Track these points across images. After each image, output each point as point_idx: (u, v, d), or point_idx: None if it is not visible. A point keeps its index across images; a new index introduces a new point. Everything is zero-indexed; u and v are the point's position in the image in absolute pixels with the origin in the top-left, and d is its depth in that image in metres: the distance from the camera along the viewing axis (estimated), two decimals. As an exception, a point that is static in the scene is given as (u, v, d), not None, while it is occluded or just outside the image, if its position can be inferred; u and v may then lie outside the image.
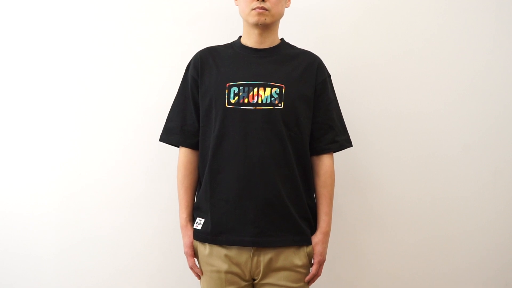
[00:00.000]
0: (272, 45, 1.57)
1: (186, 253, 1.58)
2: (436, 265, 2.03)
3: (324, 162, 1.57)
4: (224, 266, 1.49)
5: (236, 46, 1.60)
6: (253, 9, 1.49)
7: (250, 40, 1.57)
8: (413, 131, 2.01)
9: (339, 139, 1.59)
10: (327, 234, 1.56)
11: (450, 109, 2.02)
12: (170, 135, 1.61)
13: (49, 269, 1.98)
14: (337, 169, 1.97)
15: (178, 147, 1.62)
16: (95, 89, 1.97)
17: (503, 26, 2.02)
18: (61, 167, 1.97)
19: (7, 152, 1.97)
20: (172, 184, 1.92)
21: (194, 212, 1.58)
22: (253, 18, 1.50)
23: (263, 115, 1.47)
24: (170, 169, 1.93)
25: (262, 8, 1.47)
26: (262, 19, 1.49)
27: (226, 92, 1.50)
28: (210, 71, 1.55)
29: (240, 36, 1.62)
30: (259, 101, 1.48)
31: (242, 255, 1.48)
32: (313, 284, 1.59)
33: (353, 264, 2.02)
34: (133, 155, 1.97)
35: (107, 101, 1.97)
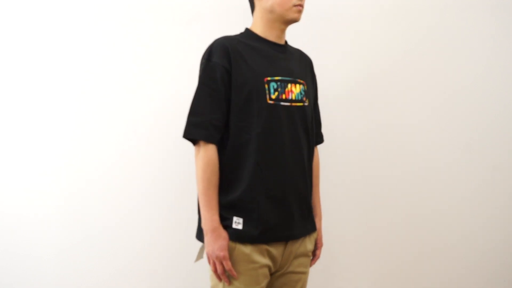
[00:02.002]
0: (283, 42, 1.59)
1: (222, 257, 1.40)
2: (436, 264, 2.03)
3: (315, 154, 1.65)
4: (264, 261, 1.46)
5: (253, 38, 1.53)
6: (295, 6, 1.50)
7: (273, 35, 1.54)
8: (413, 131, 2.02)
9: (321, 132, 1.72)
10: (321, 220, 1.65)
11: (450, 109, 2.02)
12: (198, 130, 1.43)
13: (50, 269, 1.99)
14: (337, 168, 1.99)
15: (195, 143, 1.47)
16: (96, 89, 1.98)
17: (503, 26, 2.03)
18: (61, 167, 1.98)
19: (8, 152, 1.99)
20: (174, 184, 1.93)
21: (225, 211, 1.46)
22: (294, 15, 1.51)
23: (298, 112, 1.50)
24: (172, 168, 1.94)
25: (302, 5, 1.52)
26: (300, 16, 1.53)
27: (266, 87, 1.47)
28: (241, 63, 1.47)
29: (247, 28, 1.56)
30: (293, 98, 1.49)
31: (278, 249, 1.48)
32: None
33: (353, 264, 2.02)
34: (134, 155, 1.98)
35: (108, 101, 1.98)
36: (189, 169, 1.82)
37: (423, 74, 2.02)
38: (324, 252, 1.80)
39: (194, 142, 1.44)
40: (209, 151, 1.42)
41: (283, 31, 1.55)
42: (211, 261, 1.41)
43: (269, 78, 1.46)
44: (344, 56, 2.01)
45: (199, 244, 1.51)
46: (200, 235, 1.47)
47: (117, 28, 1.98)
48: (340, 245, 2.01)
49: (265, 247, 1.45)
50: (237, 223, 1.43)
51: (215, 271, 1.40)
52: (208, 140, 1.42)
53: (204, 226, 1.41)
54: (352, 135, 2.00)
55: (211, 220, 1.40)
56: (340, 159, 2.00)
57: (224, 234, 1.41)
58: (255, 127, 1.44)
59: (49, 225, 1.98)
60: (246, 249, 1.42)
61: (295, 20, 1.52)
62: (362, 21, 2.01)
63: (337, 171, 2.00)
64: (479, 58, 2.03)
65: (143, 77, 1.98)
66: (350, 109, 2.00)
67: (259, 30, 1.54)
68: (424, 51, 2.02)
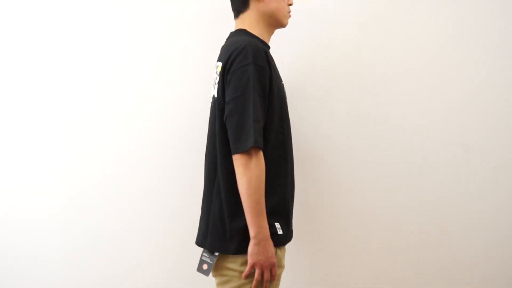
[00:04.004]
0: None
1: (273, 264, 1.39)
2: (437, 265, 2.03)
3: None
4: (284, 264, 1.52)
5: (260, 41, 1.51)
6: (288, 12, 1.60)
7: (267, 38, 1.57)
8: (414, 131, 2.01)
9: None
10: None
11: (451, 109, 2.01)
12: (260, 137, 1.36)
13: (52, 271, 1.98)
14: (337, 168, 1.99)
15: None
16: (98, 90, 1.97)
17: (503, 27, 2.02)
18: (64, 169, 1.98)
19: (11, 154, 1.98)
20: (178, 187, 1.94)
21: (268, 218, 1.40)
22: (286, 20, 1.59)
23: None
24: (176, 170, 1.94)
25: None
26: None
27: (284, 92, 1.54)
28: (273, 68, 1.48)
29: (247, 30, 1.53)
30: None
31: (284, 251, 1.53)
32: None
33: (354, 263, 2.02)
34: (138, 157, 1.97)
35: (110, 102, 1.97)
36: (193, 172, 1.83)
37: (424, 74, 2.02)
38: (323, 253, 1.82)
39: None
40: (261, 157, 1.37)
41: (272, 35, 1.59)
42: (259, 270, 1.36)
43: (283, 83, 1.54)
44: (345, 55, 2.01)
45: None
46: (228, 247, 1.40)
47: (120, 29, 1.97)
48: (339, 245, 2.02)
49: (284, 249, 1.49)
50: (279, 228, 1.43)
51: (260, 279, 1.37)
52: (261, 146, 1.37)
53: (257, 235, 1.35)
54: (352, 135, 2.00)
55: (265, 228, 1.36)
56: (340, 156, 2.01)
57: (271, 241, 1.39)
58: (285, 131, 1.49)
59: (52, 227, 1.97)
60: (280, 253, 1.45)
61: (285, 26, 1.60)
62: (362, 23, 2.00)
63: (337, 171, 2.01)
64: (480, 58, 2.02)
65: (146, 78, 1.96)
66: (351, 108, 2.01)
67: (257, 33, 1.52)
68: (425, 51, 2.01)
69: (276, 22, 1.55)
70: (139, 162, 1.97)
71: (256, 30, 1.52)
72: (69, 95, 1.98)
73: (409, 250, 2.02)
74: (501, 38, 2.02)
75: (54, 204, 1.97)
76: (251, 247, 1.36)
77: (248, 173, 1.33)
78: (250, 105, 1.34)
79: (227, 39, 1.57)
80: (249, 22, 1.52)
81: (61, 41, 1.98)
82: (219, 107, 1.41)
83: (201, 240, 1.47)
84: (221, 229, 1.40)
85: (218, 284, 1.46)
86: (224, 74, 1.40)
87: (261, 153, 1.36)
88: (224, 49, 1.48)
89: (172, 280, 1.98)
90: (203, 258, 1.44)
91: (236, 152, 1.34)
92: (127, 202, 1.97)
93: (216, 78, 1.47)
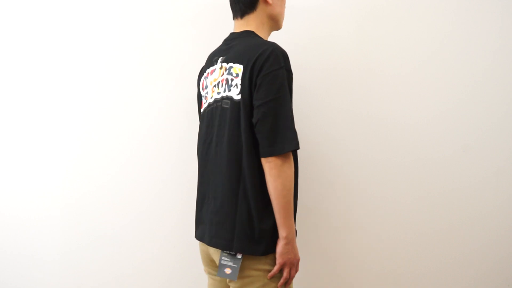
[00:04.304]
0: None
1: (299, 261, 1.47)
2: (437, 264, 2.04)
3: None
4: None
5: None
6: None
7: None
8: (414, 131, 2.02)
9: None
10: None
11: (451, 109, 2.02)
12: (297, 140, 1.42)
13: (53, 271, 1.99)
14: (337, 168, 1.99)
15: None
16: (100, 90, 1.99)
17: (504, 27, 2.02)
18: (67, 170, 1.99)
19: (13, 155, 1.99)
20: (180, 188, 1.93)
21: None
22: (282, 25, 1.63)
23: None
24: (178, 171, 1.95)
25: None
26: None
27: None
28: None
29: (255, 32, 1.54)
30: None
31: None
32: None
33: (353, 263, 2.03)
34: (140, 157, 1.98)
35: (112, 103, 1.99)
36: (195, 172, 1.82)
37: (424, 74, 2.02)
38: (324, 253, 1.81)
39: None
40: (292, 159, 1.41)
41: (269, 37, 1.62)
42: (288, 269, 1.41)
43: None
44: (346, 56, 2.01)
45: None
46: (257, 249, 1.41)
47: (122, 29, 1.98)
48: (338, 245, 2.01)
49: None
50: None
51: (288, 277, 1.42)
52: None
53: (288, 235, 1.40)
54: (351, 136, 2.01)
55: (294, 228, 1.42)
56: (340, 157, 2.00)
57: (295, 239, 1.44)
58: None
59: (54, 227, 1.99)
60: None
61: (280, 29, 1.63)
62: (362, 22, 2.01)
63: (336, 170, 2.00)
64: (480, 58, 2.03)
65: (148, 79, 1.98)
66: (351, 108, 2.01)
67: (262, 35, 1.53)
68: (425, 51, 2.02)
69: (276, 25, 1.59)
70: (141, 163, 1.98)
71: (261, 32, 1.54)
72: (71, 94, 1.99)
73: (410, 249, 2.03)
74: (502, 37, 2.02)
75: (54, 205, 1.98)
76: (281, 247, 1.40)
77: (283, 175, 1.37)
78: (285, 108, 1.38)
79: (230, 40, 1.55)
80: (256, 24, 1.53)
81: (62, 42, 1.99)
82: (244, 110, 1.40)
83: (226, 244, 1.42)
84: (250, 232, 1.40)
85: (241, 287, 1.43)
86: (250, 77, 1.40)
87: (291, 155, 1.39)
88: (241, 51, 1.46)
89: (173, 281, 1.98)
90: (223, 262, 1.42)
91: (271, 155, 1.36)
92: (128, 202, 1.98)
93: (227, 79, 1.46)
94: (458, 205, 2.03)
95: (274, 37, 1.67)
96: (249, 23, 1.53)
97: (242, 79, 1.41)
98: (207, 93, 1.54)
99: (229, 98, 1.45)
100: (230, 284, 1.46)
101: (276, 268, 1.40)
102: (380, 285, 2.03)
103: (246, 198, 1.41)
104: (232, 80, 1.44)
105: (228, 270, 1.42)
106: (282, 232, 1.40)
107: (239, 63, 1.43)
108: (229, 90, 1.45)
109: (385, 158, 2.01)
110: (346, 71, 1.99)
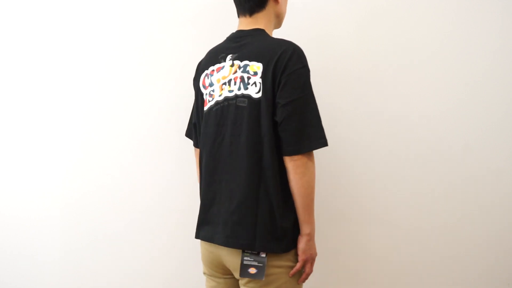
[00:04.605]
0: None
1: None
2: (437, 265, 2.03)
3: None
4: None
5: None
6: None
7: None
8: (415, 131, 2.02)
9: None
10: None
11: (451, 108, 2.02)
12: None
13: (54, 270, 2.00)
14: (337, 168, 1.99)
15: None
16: (100, 90, 1.99)
17: (504, 27, 2.02)
18: (67, 170, 1.99)
19: (14, 155, 1.99)
20: (182, 188, 1.93)
21: None
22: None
23: None
24: (180, 171, 1.95)
25: None
26: None
27: None
28: None
29: (264, 30, 1.53)
30: None
31: None
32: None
33: (352, 263, 2.04)
34: (141, 157, 1.99)
35: (112, 103, 1.99)
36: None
37: (425, 74, 2.02)
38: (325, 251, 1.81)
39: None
40: (314, 157, 1.43)
41: None
42: (309, 264, 1.45)
43: None
44: (346, 55, 2.01)
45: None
46: (280, 246, 1.41)
47: (123, 30, 1.99)
48: (341, 244, 2.01)
49: None
50: None
51: (309, 272, 1.46)
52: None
53: (312, 231, 1.43)
54: (351, 135, 2.01)
55: (314, 225, 1.45)
56: (341, 159, 2.00)
57: None
58: None
59: (53, 227, 1.99)
60: None
61: (279, 28, 1.64)
62: (363, 21, 2.01)
63: (336, 170, 2.00)
64: (481, 58, 2.02)
65: (148, 79, 1.99)
66: (351, 109, 2.00)
67: (269, 33, 1.52)
68: (426, 50, 2.01)
69: (279, 24, 1.60)
70: (141, 162, 1.98)
71: (269, 30, 1.53)
72: (71, 95, 1.99)
73: (409, 248, 2.02)
74: (502, 37, 2.02)
75: (54, 205, 1.98)
76: (304, 244, 1.42)
77: (308, 173, 1.39)
78: (311, 106, 1.39)
79: (239, 38, 1.51)
80: (264, 22, 1.52)
81: (62, 42, 1.99)
82: (267, 109, 1.39)
83: (246, 243, 1.40)
84: (272, 230, 1.40)
85: (263, 285, 1.41)
86: (273, 76, 1.39)
87: (313, 153, 1.41)
88: (258, 49, 1.44)
89: (173, 281, 1.98)
90: (246, 262, 1.39)
91: (298, 153, 1.37)
92: (128, 202, 1.98)
93: (242, 77, 1.43)
94: (458, 204, 2.03)
95: (274, 36, 1.66)
96: (258, 21, 1.51)
97: (263, 78, 1.40)
98: (213, 90, 1.49)
99: (246, 97, 1.42)
100: (248, 285, 1.42)
101: (299, 264, 1.42)
102: (380, 284, 2.02)
103: (268, 197, 1.40)
104: (249, 78, 1.42)
105: (252, 270, 1.39)
106: (305, 229, 1.42)
107: (258, 61, 1.42)
108: (246, 89, 1.42)
109: (384, 158, 2.01)
110: (346, 70, 1.99)
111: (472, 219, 2.03)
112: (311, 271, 1.45)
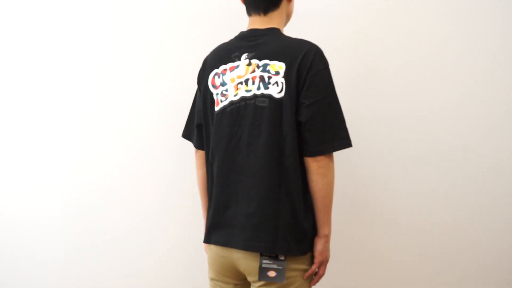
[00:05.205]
0: None
1: None
2: (437, 264, 2.03)
3: None
4: None
5: None
6: None
7: None
8: (415, 131, 2.01)
9: None
10: None
11: (452, 108, 2.02)
12: None
13: (54, 270, 2.00)
14: (336, 168, 1.99)
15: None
16: (100, 90, 1.99)
17: (504, 27, 2.02)
18: (67, 170, 2.00)
19: (15, 155, 2.00)
20: (181, 187, 1.93)
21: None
22: None
23: None
24: (181, 172, 1.95)
25: None
26: None
27: None
28: None
29: (280, 30, 1.51)
30: None
31: None
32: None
33: (351, 264, 2.04)
34: (142, 158, 1.99)
35: (112, 103, 1.99)
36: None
37: (425, 74, 2.02)
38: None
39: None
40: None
41: None
42: (324, 266, 1.45)
43: None
44: (346, 55, 2.01)
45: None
46: (300, 248, 1.39)
47: (124, 30, 1.99)
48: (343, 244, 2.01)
49: None
50: None
51: (322, 274, 1.46)
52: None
53: (329, 233, 1.43)
54: (351, 135, 2.00)
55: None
56: (343, 159, 2.00)
57: None
58: None
59: (53, 227, 1.99)
60: None
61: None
62: (364, 21, 2.01)
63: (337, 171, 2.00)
64: (481, 58, 2.02)
65: (148, 79, 1.99)
66: (352, 109, 2.00)
67: (282, 32, 1.52)
68: (426, 50, 2.01)
69: (286, 24, 1.57)
70: (141, 162, 1.98)
71: (281, 29, 1.51)
72: (71, 95, 1.99)
73: (409, 248, 2.02)
74: (502, 37, 2.02)
75: (54, 205, 1.99)
76: (322, 245, 1.42)
77: (329, 173, 1.38)
78: (335, 107, 1.39)
79: (253, 37, 1.46)
80: (278, 21, 1.49)
81: (62, 42, 1.99)
82: (291, 109, 1.37)
83: (267, 246, 1.36)
84: (295, 231, 1.38)
85: None
86: (298, 76, 1.37)
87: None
88: (279, 48, 1.41)
89: (173, 282, 1.98)
90: (265, 265, 1.35)
91: (321, 153, 1.36)
92: (128, 202, 1.98)
93: (262, 76, 1.39)
94: (458, 204, 2.02)
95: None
96: (273, 20, 1.48)
97: (286, 78, 1.37)
98: (226, 90, 1.43)
99: (267, 96, 1.38)
100: None
101: (315, 266, 1.42)
102: (379, 284, 2.02)
103: (290, 198, 1.38)
104: (270, 77, 1.39)
105: (272, 273, 1.35)
106: (324, 230, 1.42)
107: (279, 61, 1.39)
108: (267, 88, 1.39)
109: (384, 158, 2.01)
110: (346, 70, 1.99)
111: (472, 219, 2.03)
112: (323, 273, 1.44)
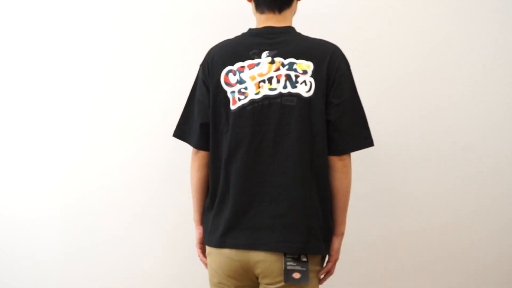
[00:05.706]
0: None
1: None
2: (436, 264, 2.04)
3: None
4: None
5: None
6: None
7: None
8: (415, 130, 2.02)
9: None
10: None
11: (452, 108, 2.02)
12: None
13: (54, 270, 2.00)
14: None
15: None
16: (100, 90, 1.99)
17: (504, 27, 2.02)
18: (67, 170, 2.00)
19: (15, 155, 2.00)
20: (181, 188, 1.93)
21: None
22: None
23: None
24: (180, 172, 1.95)
25: None
26: None
27: None
28: None
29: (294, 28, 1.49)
30: None
31: None
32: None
33: (351, 264, 2.03)
34: (141, 158, 1.99)
35: (112, 103, 1.99)
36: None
37: (425, 73, 2.02)
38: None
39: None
40: None
41: None
42: (335, 264, 1.47)
43: None
44: (346, 54, 2.01)
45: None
46: (321, 248, 1.39)
47: (124, 30, 1.99)
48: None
49: None
50: None
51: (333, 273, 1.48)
52: None
53: (344, 232, 1.46)
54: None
55: None
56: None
57: None
58: None
59: (53, 227, 1.99)
60: None
61: None
62: (364, 21, 2.01)
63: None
64: (481, 57, 2.02)
65: (148, 79, 1.99)
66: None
67: None
68: (426, 50, 2.01)
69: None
70: (141, 162, 1.98)
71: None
72: (71, 95, 1.99)
73: (408, 248, 2.02)
74: (502, 37, 2.02)
75: (54, 205, 1.99)
76: (338, 244, 1.45)
77: (350, 172, 1.43)
78: (359, 106, 1.42)
79: (271, 34, 1.42)
80: (290, 19, 1.49)
81: (62, 42, 1.99)
82: (320, 108, 1.36)
83: (300, 247, 1.33)
84: (324, 230, 1.40)
85: None
86: (328, 75, 1.37)
87: None
88: (304, 47, 1.40)
89: (174, 282, 1.98)
90: (289, 267, 1.32)
91: (347, 152, 1.40)
92: (128, 202, 1.98)
93: (288, 75, 1.37)
94: (458, 204, 2.03)
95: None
96: (287, 19, 1.46)
97: (315, 77, 1.36)
98: (245, 88, 1.38)
99: (295, 95, 1.36)
100: None
101: (330, 264, 1.45)
102: (378, 284, 2.02)
103: (322, 198, 1.38)
104: (297, 76, 1.36)
105: (296, 275, 1.31)
106: (342, 229, 1.45)
107: (306, 60, 1.38)
108: (294, 87, 1.36)
109: (383, 158, 2.01)
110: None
111: (472, 219, 2.03)
112: (333, 271, 1.47)
